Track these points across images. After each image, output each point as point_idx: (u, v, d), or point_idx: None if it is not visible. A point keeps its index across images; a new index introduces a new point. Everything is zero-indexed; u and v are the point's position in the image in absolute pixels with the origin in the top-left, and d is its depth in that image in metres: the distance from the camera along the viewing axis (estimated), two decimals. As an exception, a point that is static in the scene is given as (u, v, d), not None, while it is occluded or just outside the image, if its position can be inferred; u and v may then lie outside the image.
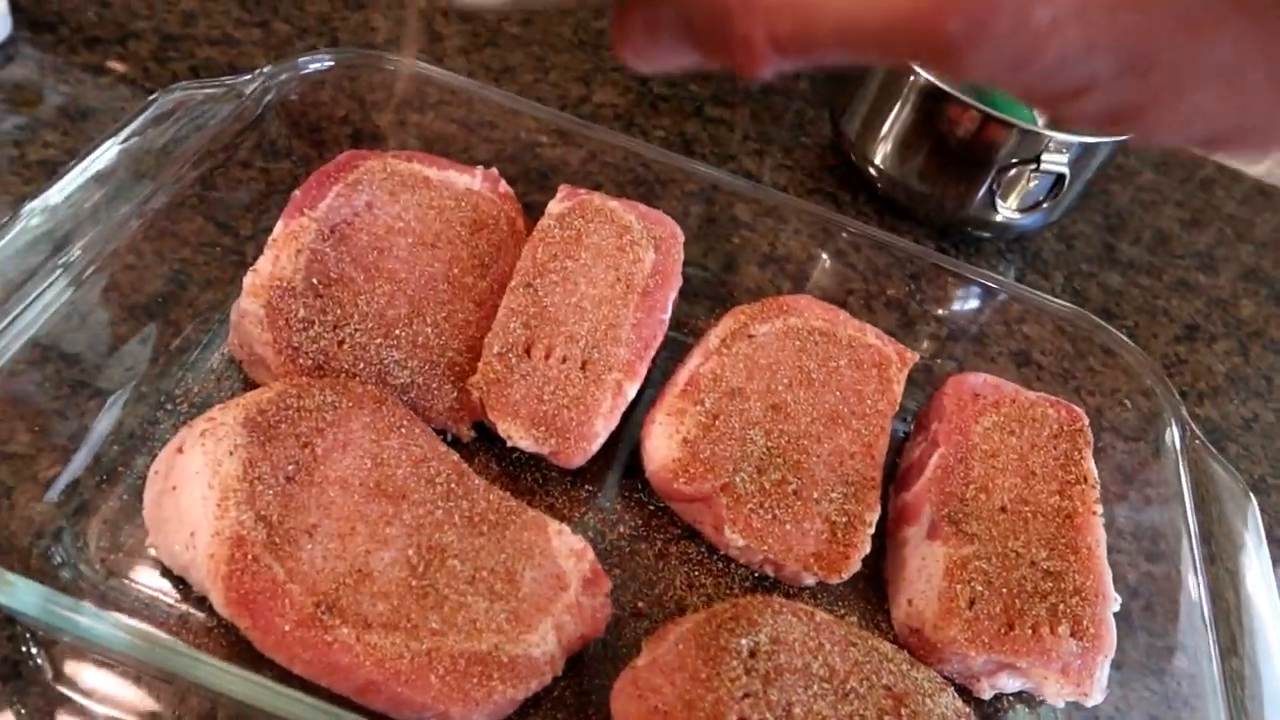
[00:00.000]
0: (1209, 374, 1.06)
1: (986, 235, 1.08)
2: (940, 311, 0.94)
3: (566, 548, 0.63)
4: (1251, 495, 0.76)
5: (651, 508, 0.73)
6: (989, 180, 0.99)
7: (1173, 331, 1.10)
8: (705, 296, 0.90)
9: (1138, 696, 0.71)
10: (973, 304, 0.94)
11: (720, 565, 0.71)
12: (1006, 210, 1.01)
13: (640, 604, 0.67)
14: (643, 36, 0.36)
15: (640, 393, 0.74)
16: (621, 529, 0.71)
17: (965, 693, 0.68)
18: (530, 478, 0.72)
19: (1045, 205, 1.01)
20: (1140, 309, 1.11)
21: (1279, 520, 0.92)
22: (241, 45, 1.01)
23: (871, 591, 0.73)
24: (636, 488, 0.74)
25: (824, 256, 0.94)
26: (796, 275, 0.94)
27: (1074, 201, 1.05)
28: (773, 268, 0.94)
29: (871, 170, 1.07)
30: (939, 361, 0.92)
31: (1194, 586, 0.72)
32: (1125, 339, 0.87)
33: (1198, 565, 0.72)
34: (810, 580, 0.70)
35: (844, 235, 0.90)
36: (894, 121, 1.02)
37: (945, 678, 0.65)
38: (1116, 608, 0.69)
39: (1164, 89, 0.30)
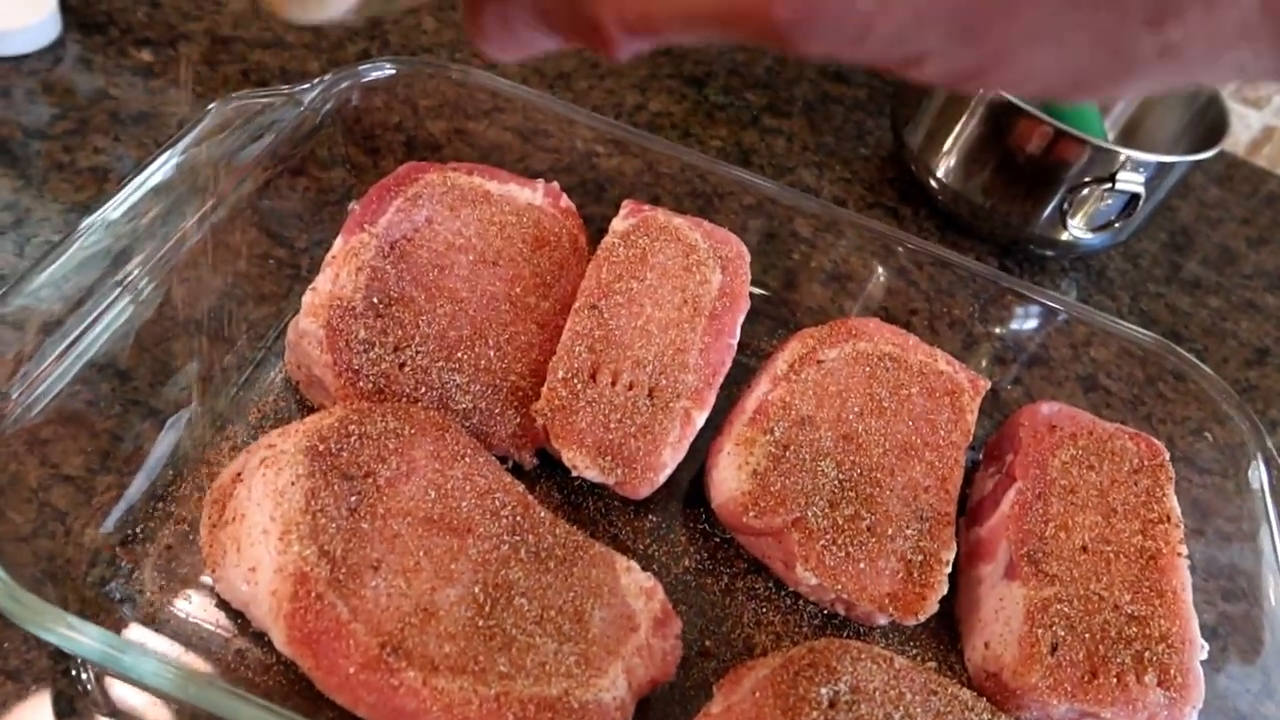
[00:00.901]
0: (1280, 400, 1.03)
1: (1050, 254, 1.05)
2: (1004, 333, 0.90)
3: (636, 586, 0.60)
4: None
5: (717, 539, 0.70)
6: (1058, 198, 0.96)
7: (1243, 355, 1.06)
8: (766, 316, 0.87)
9: (1219, 745, 0.68)
10: (1040, 326, 0.90)
11: (789, 601, 0.68)
12: (1075, 229, 0.98)
13: (708, 643, 0.65)
14: (498, 29, 0.37)
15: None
16: (686, 562, 0.69)
17: (1042, 741, 0.65)
18: (593, 506, 0.69)
19: (1116, 225, 0.97)
20: (1208, 331, 1.07)
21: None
22: (293, 49, 0.98)
23: (943, 630, 0.70)
24: (700, 517, 0.71)
25: (887, 275, 0.90)
26: (859, 294, 0.91)
27: (1144, 221, 1.02)
28: (834, 286, 0.91)
29: (933, 183, 1.03)
30: (1006, 387, 0.89)
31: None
32: (1203, 366, 0.83)
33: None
34: (883, 620, 0.67)
35: (908, 254, 0.87)
36: (960, 134, 0.99)
37: (1024, 726, 0.62)
38: (1204, 655, 0.66)
39: (997, 54, 0.32)
